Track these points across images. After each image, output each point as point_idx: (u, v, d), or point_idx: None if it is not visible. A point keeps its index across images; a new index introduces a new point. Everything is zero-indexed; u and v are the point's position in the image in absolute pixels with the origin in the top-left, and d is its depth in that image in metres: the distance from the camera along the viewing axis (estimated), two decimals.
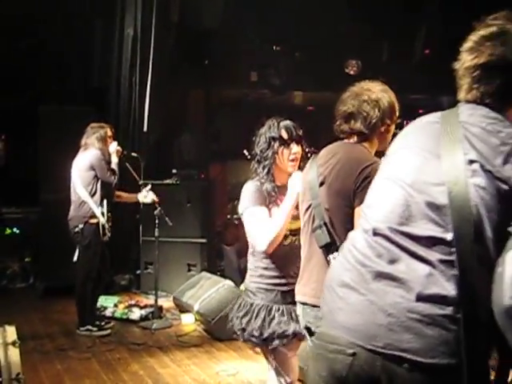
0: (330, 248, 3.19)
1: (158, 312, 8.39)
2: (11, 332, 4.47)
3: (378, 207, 2.33)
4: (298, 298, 3.46)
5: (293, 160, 4.12)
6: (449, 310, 2.05)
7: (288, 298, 3.95)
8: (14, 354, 4.17)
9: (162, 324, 8.21)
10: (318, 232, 3.24)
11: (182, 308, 8.58)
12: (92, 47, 10.88)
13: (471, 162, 2.10)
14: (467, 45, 2.35)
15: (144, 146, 10.26)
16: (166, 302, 9.01)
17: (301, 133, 4.21)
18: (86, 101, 10.67)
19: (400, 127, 3.09)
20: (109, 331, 7.88)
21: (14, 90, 10.61)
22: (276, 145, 4.12)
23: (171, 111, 11.08)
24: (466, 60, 2.33)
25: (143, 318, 8.36)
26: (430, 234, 2.12)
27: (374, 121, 3.33)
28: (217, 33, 11.13)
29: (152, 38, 10.37)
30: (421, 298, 2.08)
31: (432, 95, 14.48)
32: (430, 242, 2.12)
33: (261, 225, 3.99)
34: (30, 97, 10.55)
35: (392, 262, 2.19)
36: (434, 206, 2.13)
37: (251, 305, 4.07)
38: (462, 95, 2.36)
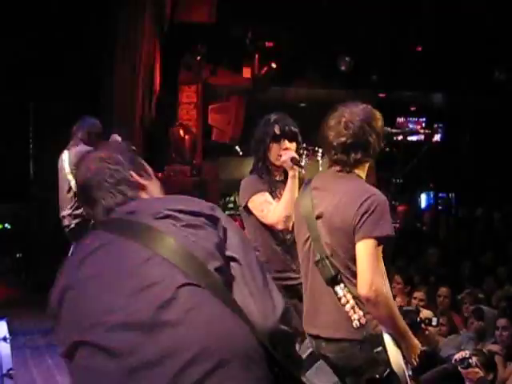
0: (336, 280, 3.15)
1: None
2: (2, 327, 4.46)
3: None
4: (310, 330, 3.36)
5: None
6: None
7: (290, 292, 3.93)
8: (5, 349, 4.16)
9: None
10: (321, 266, 3.19)
11: None
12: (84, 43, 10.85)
13: None
14: None
15: (136, 141, 10.24)
16: None
17: (296, 130, 4.27)
18: (79, 96, 10.66)
19: (391, 124, 3.09)
20: None
21: (5, 85, 10.59)
22: (268, 140, 4.21)
23: (164, 107, 11.09)
24: None
25: None
26: None
27: (373, 150, 3.28)
28: (211, 28, 11.15)
29: (145, 33, 10.38)
30: None
31: (423, 92, 14.53)
32: None
33: (270, 204, 4.11)
34: (21, 92, 10.54)
35: None
36: None
37: None
38: None
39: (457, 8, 11.94)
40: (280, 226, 4.09)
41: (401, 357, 3.09)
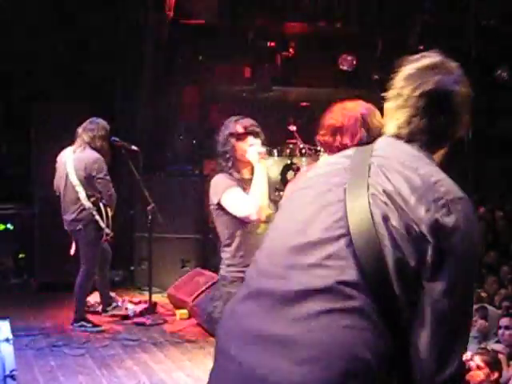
0: None
1: (152, 308, 8.39)
2: (5, 328, 4.46)
3: None
4: None
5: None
6: None
7: None
8: (8, 350, 4.16)
9: (156, 320, 8.21)
10: None
11: (177, 304, 8.57)
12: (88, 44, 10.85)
13: (384, 192, 1.91)
14: (405, 73, 2.12)
15: (138, 141, 10.21)
16: (160, 298, 9.00)
17: (259, 129, 4.63)
18: (81, 97, 10.65)
19: None
20: (103, 327, 7.88)
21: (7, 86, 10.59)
22: (233, 140, 4.52)
23: (165, 107, 11.07)
24: (406, 89, 2.09)
25: (137, 314, 8.35)
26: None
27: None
28: (211, 28, 11.14)
29: (147, 34, 10.39)
30: None
31: None
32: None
33: (243, 197, 4.35)
34: (23, 92, 10.53)
35: None
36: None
37: (228, 293, 4.18)
38: (392, 129, 2.13)
39: (460, 6, 11.94)
40: (254, 217, 4.34)
41: None
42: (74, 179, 7.69)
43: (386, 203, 1.89)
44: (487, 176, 15.23)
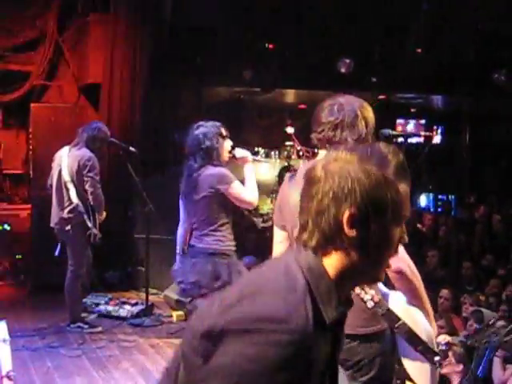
0: None
1: (148, 309, 8.39)
2: (2, 329, 4.46)
3: None
4: None
5: (229, 152, 5.54)
6: None
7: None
8: (5, 351, 4.16)
9: (153, 321, 8.20)
10: None
11: (173, 305, 8.57)
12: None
13: None
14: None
15: (137, 142, 10.19)
16: (156, 300, 9.00)
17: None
18: (78, 97, 10.66)
19: (391, 126, 3.13)
20: (100, 328, 7.87)
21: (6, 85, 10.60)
22: (221, 139, 5.47)
23: (165, 109, 11.07)
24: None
25: (134, 316, 8.34)
26: None
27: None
28: (209, 30, 11.15)
29: (144, 35, 10.39)
30: None
31: (424, 94, 14.50)
32: None
33: (245, 189, 5.43)
34: (21, 93, 10.55)
35: None
36: None
37: (230, 263, 5.40)
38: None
39: (456, 10, 11.95)
40: (254, 205, 5.67)
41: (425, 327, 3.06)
42: (66, 175, 7.69)
43: None
44: (484, 179, 15.25)
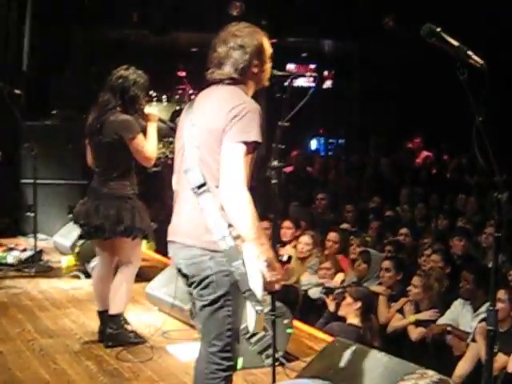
0: (202, 188, 3.15)
1: (37, 255, 8.24)
2: None
3: None
4: (171, 237, 3.39)
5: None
6: None
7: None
8: None
9: (42, 267, 8.08)
10: (190, 174, 3.20)
11: (63, 250, 8.46)
12: None
13: None
14: None
15: (22, 84, 9.88)
16: (45, 245, 8.86)
17: None
18: None
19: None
20: None
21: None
22: (144, 92, 5.37)
23: (51, 48, 10.75)
24: None
25: (23, 262, 8.18)
26: None
27: (241, 65, 3.32)
28: None
29: None
30: None
31: (314, 38, 14.59)
32: None
33: (147, 144, 5.25)
34: None
35: None
36: None
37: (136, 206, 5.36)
38: None
39: None
40: (151, 163, 5.37)
41: (260, 277, 3.08)
42: None
43: None
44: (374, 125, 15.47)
